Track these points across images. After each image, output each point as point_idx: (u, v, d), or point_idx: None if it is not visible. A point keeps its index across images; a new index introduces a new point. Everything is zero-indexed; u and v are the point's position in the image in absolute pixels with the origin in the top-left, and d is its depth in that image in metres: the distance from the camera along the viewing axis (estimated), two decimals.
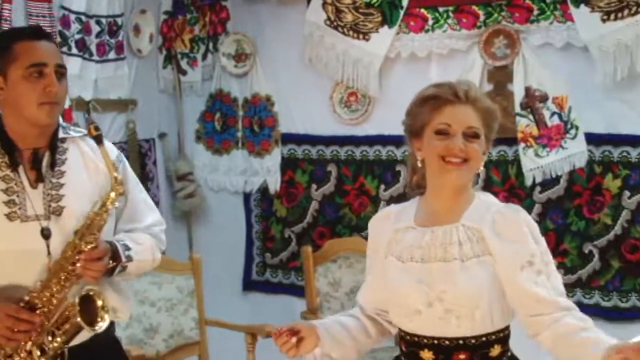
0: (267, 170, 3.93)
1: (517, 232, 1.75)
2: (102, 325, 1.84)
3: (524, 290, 1.72)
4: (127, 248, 1.98)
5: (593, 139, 3.31)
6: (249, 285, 4.05)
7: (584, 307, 3.00)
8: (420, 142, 1.81)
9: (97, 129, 1.92)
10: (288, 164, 3.91)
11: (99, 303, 1.83)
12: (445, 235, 1.80)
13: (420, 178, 1.88)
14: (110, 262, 1.90)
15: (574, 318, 1.71)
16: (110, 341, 2.08)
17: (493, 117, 1.82)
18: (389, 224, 1.91)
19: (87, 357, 1.96)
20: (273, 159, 3.92)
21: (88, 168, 1.97)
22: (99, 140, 1.92)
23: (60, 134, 2.00)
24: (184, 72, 4.03)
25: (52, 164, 1.94)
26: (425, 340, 1.80)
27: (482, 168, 1.82)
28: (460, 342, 1.78)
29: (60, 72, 1.92)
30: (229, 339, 3.27)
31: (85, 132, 2.02)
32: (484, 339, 1.78)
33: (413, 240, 1.84)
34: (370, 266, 1.96)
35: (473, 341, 1.77)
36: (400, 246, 1.86)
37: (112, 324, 2.03)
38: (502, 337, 1.82)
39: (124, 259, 1.94)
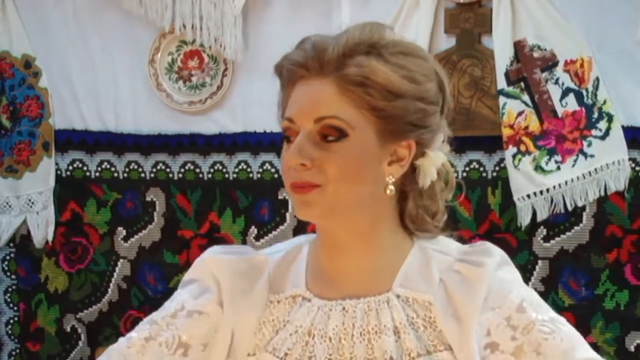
0: (29, 201, 3.20)
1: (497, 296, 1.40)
2: None
3: None
4: None
5: None
6: None
7: None
8: None
9: None
10: (70, 190, 3.15)
11: None
12: (367, 317, 1.44)
13: None
14: None
15: None
16: None
17: (383, 87, 1.32)
18: (260, 281, 1.45)
19: None
20: (40, 181, 3.17)
21: None
22: None
23: None
24: None
25: None
26: None
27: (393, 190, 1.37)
28: None
29: None
30: None
31: None
32: None
33: (309, 322, 1.44)
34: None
35: None
36: (283, 334, 1.44)
37: None
38: None
39: None
